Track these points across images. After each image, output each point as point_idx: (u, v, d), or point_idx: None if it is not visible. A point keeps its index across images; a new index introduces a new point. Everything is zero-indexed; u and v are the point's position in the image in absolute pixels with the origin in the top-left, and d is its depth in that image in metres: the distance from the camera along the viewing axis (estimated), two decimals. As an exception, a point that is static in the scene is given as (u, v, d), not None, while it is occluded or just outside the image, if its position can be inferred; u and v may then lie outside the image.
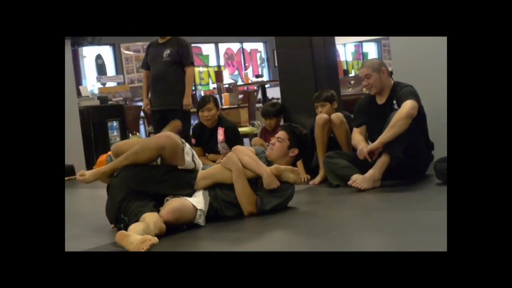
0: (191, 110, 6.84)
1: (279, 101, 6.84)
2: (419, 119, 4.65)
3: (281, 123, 6.27)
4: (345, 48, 20.45)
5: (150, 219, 3.62)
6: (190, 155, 3.97)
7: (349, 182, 4.64)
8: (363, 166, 4.79)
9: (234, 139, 6.19)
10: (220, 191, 4.01)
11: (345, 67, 18.22)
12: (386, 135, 4.53)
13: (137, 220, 3.64)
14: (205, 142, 6.32)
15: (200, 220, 3.83)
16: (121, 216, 3.79)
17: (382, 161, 4.61)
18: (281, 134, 4.36)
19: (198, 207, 3.82)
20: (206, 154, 6.33)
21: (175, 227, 3.72)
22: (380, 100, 4.97)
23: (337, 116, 5.30)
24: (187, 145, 4.00)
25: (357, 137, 4.95)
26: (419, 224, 3.41)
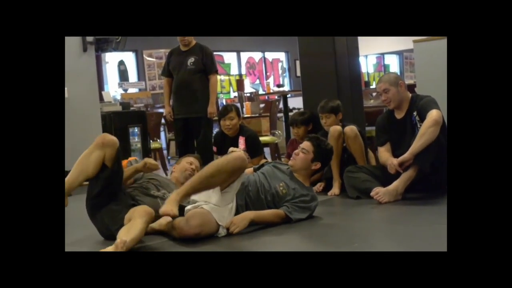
0: (214, 118, 6.85)
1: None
2: (443, 130, 4.61)
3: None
4: (367, 59, 20.39)
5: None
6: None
7: (372, 194, 4.63)
8: (383, 179, 4.78)
9: (255, 148, 6.19)
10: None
11: (366, 79, 18.17)
12: (417, 144, 4.49)
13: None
14: (226, 150, 6.31)
15: (222, 233, 3.80)
16: None
17: (408, 175, 4.59)
18: (306, 145, 4.33)
19: (220, 223, 3.78)
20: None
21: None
22: (399, 115, 4.95)
23: (351, 130, 5.28)
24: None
25: (384, 155, 4.92)
26: (440, 237, 3.39)
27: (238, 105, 9.05)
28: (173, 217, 3.65)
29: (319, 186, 5.40)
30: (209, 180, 3.69)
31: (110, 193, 3.83)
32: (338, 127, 5.33)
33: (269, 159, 7.25)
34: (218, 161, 3.82)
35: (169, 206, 3.53)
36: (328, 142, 4.49)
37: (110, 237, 3.72)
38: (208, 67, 6.72)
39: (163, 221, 3.89)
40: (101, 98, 9.30)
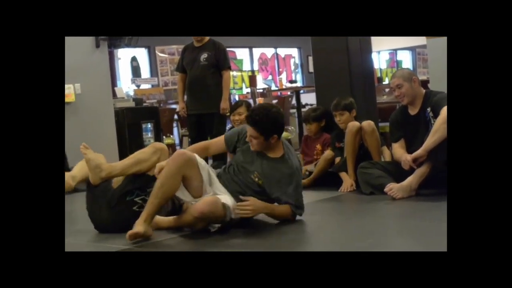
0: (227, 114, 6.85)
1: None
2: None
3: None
4: (379, 55, 20.33)
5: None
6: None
7: (385, 190, 4.62)
8: (397, 175, 4.77)
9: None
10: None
11: (379, 75, 18.12)
12: (430, 141, 4.47)
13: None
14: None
15: (227, 218, 3.83)
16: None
17: (422, 171, 4.58)
18: (249, 131, 3.99)
19: (227, 203, 3.83)
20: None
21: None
22: (413, 111, 4.94)
23: (369, 124, 5.29)
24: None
25: (398, 151, 4.91)
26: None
27: (251, 101, 9.07)
28: (142, 236, 3.70)
29: (349, 186, 5.35)
30: (162, 190, 3.77)
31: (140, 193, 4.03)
32: (356, 123, 5.33)
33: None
34: (163, 171, 3.83)
35: (138, 227, 3.68)
36: (264, 108, 4.03)
37: (118, 230, 3.87)
38: (221, 63, 6.72)
39: (170, 219, 3.99)
40: (114, 94, 9.34)
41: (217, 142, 4.31)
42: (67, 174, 4.13)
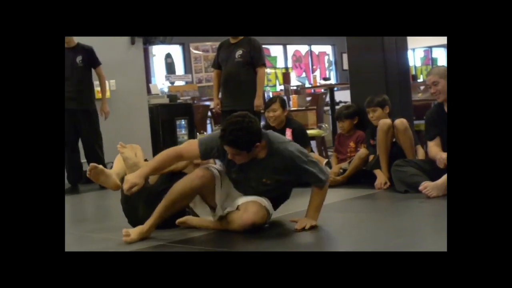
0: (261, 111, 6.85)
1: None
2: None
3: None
4: (414, 53, 20.18)
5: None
6: None
7: (420, 188, 4.58)
8: (432, 174, 4.73)
9: (302, 140, 6.18)
10: None
11: (413, 72, 17.99)
12: None
13: None
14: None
15: (269, 219, 3.87)
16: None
17: (458, 169, 4.54)
18: (229, 150, 3.74)
19: (269, 210, 3.85)
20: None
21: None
22: (448, 108, 4.90)
23: (402, 122, 5.26)
24: None
25: (434, 149, 4.86)
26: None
27: (285, 97, 9.04)
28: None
29: (383, 184, 5.32)
30: (173, 208, 3.81)
31: None
32: (388, 120, 5.31)
33: (316, 152, 7.23)
34: (178, 187, 3.81)
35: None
36: (234, 124, 3.67)
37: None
38: (255, 59, 6.71)
39: (210, 219, 3.98)
40: (148, 91, 9.39)
41: (190, 149, 3.95)
42: (113, 173, 4.13)
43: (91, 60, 6.85)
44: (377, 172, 5.35)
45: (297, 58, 18.35)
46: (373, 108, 5.56)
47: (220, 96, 7.03)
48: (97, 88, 7.19)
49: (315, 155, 6.29)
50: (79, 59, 6.78)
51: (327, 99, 9.68)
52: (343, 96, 10.19)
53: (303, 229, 3.72)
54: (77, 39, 6.73)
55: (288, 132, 6.22)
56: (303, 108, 9.38)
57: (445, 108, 4.90)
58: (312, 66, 18.68)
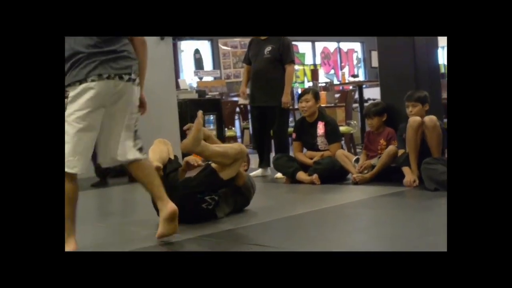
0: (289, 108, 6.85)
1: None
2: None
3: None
4: (444, 51, 20.02)
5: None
6: None
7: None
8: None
9: (334, 134, 6.21)
10: None
11: (443, 70, 17.85)
12: None
13: None
14: (305, 136, 6.35)
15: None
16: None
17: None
18: None
19: None
20: (305, 149, 6.38)
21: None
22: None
23: (431, 119, 5.20)
24: None
25: None
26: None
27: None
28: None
29: (412, 181, 5.27)
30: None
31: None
32: (418, 118, 5.26)
33: (345, 149, 7.22)
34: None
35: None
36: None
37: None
38: (284, 56, 6.70)
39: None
40: (177, 86, 9.42)
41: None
42: (154, 166, 4.13)
43: None
44: (405, 169, 5.31)
45: (325, 55, 18.31)
46: (413, 103, 5.48)
47: (248, 91, 7.03)
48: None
49: (344, 151, 6.27)
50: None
51: (356, 96, 9.65)
52: (372, 93, 10.15)
53: None
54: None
55: (320, 125, 6.22)
56: (332, 105, 9.36)
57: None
58: (340, 63, 18.62)
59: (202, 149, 4.11)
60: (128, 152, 3.52)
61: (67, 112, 3.29)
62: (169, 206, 3.55)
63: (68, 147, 3.25)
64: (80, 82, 3.31)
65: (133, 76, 3.47)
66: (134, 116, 3.58)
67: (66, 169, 3.22)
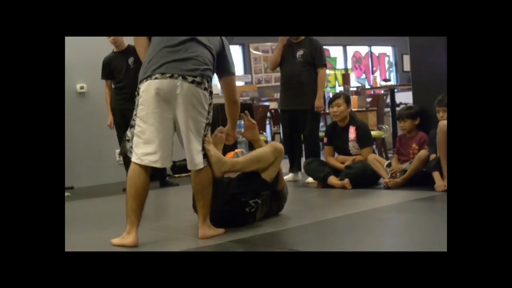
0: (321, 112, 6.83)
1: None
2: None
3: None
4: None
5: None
6: None
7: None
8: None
9: (365, 139, 6.18)
10: None
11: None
12: None
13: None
14: (336, 140, 6.33)
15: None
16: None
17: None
18: None
19: None
20: (336, 154, 6.37)
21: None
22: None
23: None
24: None
25: None
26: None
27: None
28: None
29: (443, 186, 5.21)
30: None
31: None
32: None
33: (376, 153, 7.18)
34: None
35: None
36: None
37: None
38: (316, 60, 6.70)
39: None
40: (209, 90, 9.42)
41: None
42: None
43: None
44: (435, 175, 5.25)
45: (357, 59, 18.25)
46: (444, 108, 5.42)
47: (279, 95, 7.03)
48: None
49: (376, 156, 6.24)
50: (131, 60, 6.89)
51: (388, 100, 9.60)
52: (404, 97, 10.10)
53: None
54: (127, 41, 6.82)
55: (352, 129, 6.20)
56: (364, 109, 9.33)
57: None
58: (372, 67, 18.55)
59: (232, 165, 4.07)
60: (195, 157, 3.71)
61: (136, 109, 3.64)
62: (204, 230, 3.80)
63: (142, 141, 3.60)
64: (146, 78, 3.62)
65: (198, 79, 3.62)
66: (202, 120, 3.74)
67: (144, 163, 3.62)
